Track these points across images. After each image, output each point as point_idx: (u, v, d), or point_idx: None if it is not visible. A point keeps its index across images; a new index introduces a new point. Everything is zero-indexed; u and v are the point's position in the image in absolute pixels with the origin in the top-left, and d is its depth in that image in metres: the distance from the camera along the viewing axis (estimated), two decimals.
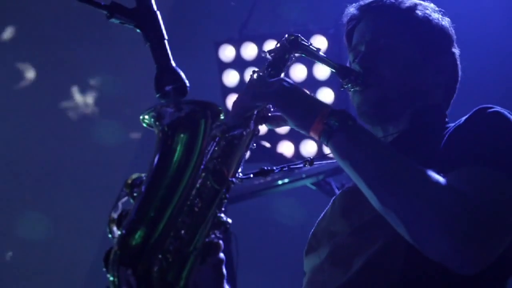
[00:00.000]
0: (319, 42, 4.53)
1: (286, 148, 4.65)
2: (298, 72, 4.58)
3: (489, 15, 4.95)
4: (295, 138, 4.61)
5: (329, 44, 4.49)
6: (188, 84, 1.56)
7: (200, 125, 1.56)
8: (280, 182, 4.24)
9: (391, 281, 1.78)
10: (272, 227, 5.56)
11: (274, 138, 4.63)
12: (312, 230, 2.03)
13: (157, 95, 1.55)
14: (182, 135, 1.54)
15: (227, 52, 4.74)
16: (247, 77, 4.65)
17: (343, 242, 1.90)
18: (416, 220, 1.61)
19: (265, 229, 5.60)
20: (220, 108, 1.60)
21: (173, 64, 1.56)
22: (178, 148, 1.53)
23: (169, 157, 1.53)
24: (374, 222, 1.80)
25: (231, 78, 4.74)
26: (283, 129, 4.65)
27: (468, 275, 1.64)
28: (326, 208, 2.04)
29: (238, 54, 4.72)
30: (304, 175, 4.26)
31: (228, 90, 4.72)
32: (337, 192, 2.40)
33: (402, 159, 1.68)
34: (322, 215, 2.04)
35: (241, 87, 4.55)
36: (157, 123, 1.56)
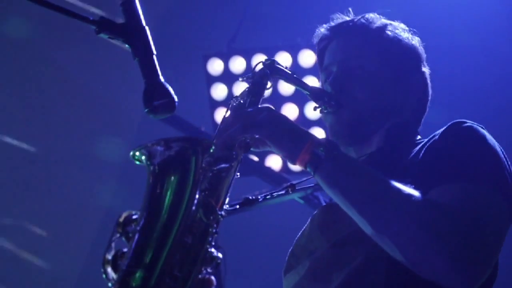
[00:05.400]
0: (307, 56, 4.55)
1: (274, 162, 4.65)
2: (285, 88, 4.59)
3: (486, 16, 5.00)
4: None
5: (317, 58, 4.50)
6: (176, 100, 1.56)
7: (191, 163, 1.56)
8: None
9: None
10: (260, 240, 5.55)
11: (262, 152, 4.62)
12: (291, 249, 2.02)
13: (146, 110, 1.55)
14: (173, 176, 1.54)
15: (215, 66, 4.75)
16: (235, 91, 4.65)
17: (322, 257, 1.90)
18: (409, 244, 1.62)
19: (252, 242, 5.58)
20: (210, 142, 1.59)
21: (162, 79, 1.57)
22: (170, 188, 1.54)
23: (162, 197, 1.53)
24: (354, 237, 1.81)
25: (219, 91, 4.75)
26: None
27: None
28: (305, 226, 2.04)
29: (226, 68, 4.73)
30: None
31: (216, 104, 4.73)
32: None
33: (390, 183, 1.68)
34: (300, 233, 2.04)
35: (229, 101, 4.56)
36: (148, 162, 1.56)
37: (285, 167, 4.63)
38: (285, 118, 1.79)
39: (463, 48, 5.04)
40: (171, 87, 1.57)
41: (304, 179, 2.11)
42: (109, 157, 5.67)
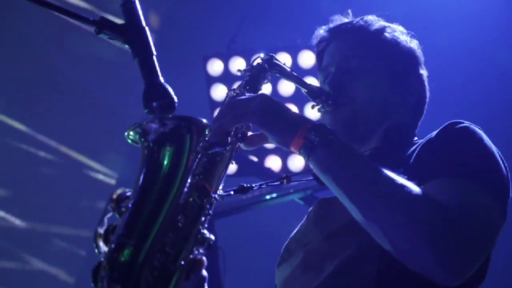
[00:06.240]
0: (307, 57, 4.56)
1: (273, 163, 4.65)
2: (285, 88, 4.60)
3: (487, 17, 5.00)
4: (283, 152, 4.61)
5: (316, 59, 4.51)
6: (176, 100, 1.56)
7: (185, 140, 1.56)
8: (268, 196, 4.24)
9: (365, 284, 1.78)
10: (260, 241, 5.55)
11: (262, 153, 4.64)
12: (285, 244, 2.03)
13: (145, 111, 1.55)
14: (168, 151, 1.54)
15: (215, 66, 4.76)
16: None
17: (315, 248, 1.90)
18: (398, 233, 1.63)
19: (253, 243, 5.59)
20: (206, 123, 1.60)
21: (162, 80, 1.56)
22: (164, 164, 1.53)
23: (156, 173, 1.53)
24: (347, 228, 1.82)
25: (219, 92, 4.76)
26: (270, 144, 4.62)
27: (449, 287, 1.64)
28: (301, 222, 2.05)
29: (226, 68, 4.74)
30: (292, 190, 4.26)
31: (216, 104, 4.73)
32: None
33: (382, 172, 1.69)
34: (297, 228, 2.05)
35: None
36: (142, 139, 1.56)
37: (285, 167, 4.63)
38: (278, 104, 1.79)
39: (462, 50, 5.04)
40: (171, 87, 1.57)
41: (301, 174, 2.12)
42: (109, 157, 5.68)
